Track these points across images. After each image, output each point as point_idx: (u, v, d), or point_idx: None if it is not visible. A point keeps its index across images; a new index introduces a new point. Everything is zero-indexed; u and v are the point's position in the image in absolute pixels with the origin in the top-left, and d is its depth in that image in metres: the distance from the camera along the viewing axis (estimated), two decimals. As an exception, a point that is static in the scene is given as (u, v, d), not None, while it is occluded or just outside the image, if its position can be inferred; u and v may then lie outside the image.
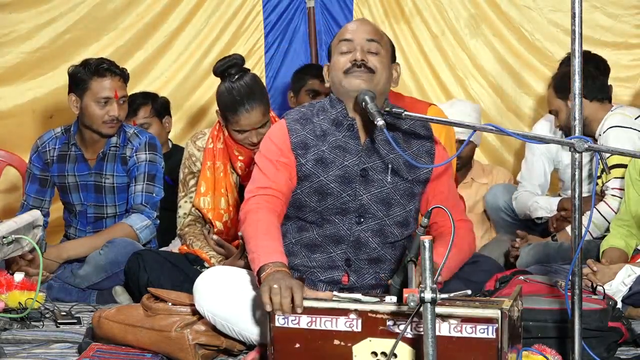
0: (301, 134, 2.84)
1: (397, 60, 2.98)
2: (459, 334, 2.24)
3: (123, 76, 3.96)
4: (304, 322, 2.36)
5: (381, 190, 2.83)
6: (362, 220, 2.83)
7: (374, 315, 2.31)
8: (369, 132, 2.84)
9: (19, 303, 3.34)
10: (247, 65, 3.77)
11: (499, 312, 2.23)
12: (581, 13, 2.34)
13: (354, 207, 2.82)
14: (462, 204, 3.01)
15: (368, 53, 2.81)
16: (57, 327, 3.30)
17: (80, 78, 3.91)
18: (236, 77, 3.57)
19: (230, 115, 3.57)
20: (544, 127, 4.45)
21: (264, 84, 4.42)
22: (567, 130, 4.09)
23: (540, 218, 4.35)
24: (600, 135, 4.04)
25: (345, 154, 2.82)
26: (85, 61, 3.96)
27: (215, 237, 3.71)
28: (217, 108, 3.66)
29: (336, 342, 2.34)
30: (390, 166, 2.82)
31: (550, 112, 4.27)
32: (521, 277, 3.18)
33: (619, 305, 3.17)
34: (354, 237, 2.83)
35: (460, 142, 4.12)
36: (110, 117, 3.90)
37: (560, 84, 4.10)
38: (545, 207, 4.33)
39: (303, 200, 2.83)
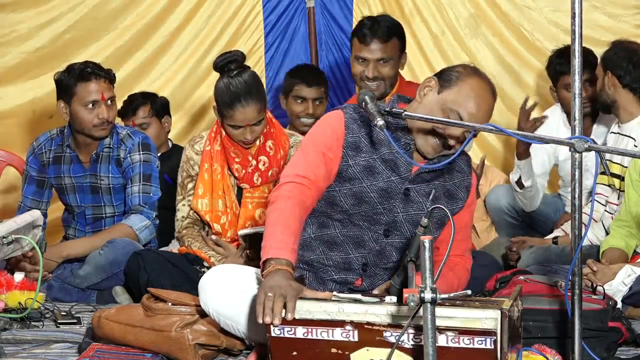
0: (357, 135, 2.80)
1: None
2: (456, 345, 2.22)
3: (108, 77, 3.95)
4: (299, 332, 2.35)
5: (418, 213, 2.80)
6: (388, 234, 2.82)
7: (370, 327, 2.29)
8: (421, 158, 2.82)
9: (19, 303, 3.33)
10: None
11: (497, 321, 2.21)
12: (581, 13, 2.34)
13: (385, 220, 2.80)
14: (471, 243, 3.00)
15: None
16: (57, 327, 3.30)
17: (66, 84, 3.92)
18: (235, 72, 3.57)
19: (226, 110, 3.57)
20: (555, 112, 4.45)
21: (264, 83, 4.41)
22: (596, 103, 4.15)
23: (522, 183, 4.32)
24: (637, 146, 3.88)
25: (395, 169, 2.80)
26: (69, 67, 3.97)
27: (214, 237, 3.71)
28: (214, 103, 3.66)
29: (333, 350, 2.33)
30: (433, 192, 2.74)
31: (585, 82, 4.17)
32: (521, 277, 3.18)
33: (619, 305, 3.17)
34: (380, 247, 2.82)
35: None
36: (100, 120, 3.90)
37: (606, 56, 3.99)
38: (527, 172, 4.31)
39: (338, 199, 2.79)
